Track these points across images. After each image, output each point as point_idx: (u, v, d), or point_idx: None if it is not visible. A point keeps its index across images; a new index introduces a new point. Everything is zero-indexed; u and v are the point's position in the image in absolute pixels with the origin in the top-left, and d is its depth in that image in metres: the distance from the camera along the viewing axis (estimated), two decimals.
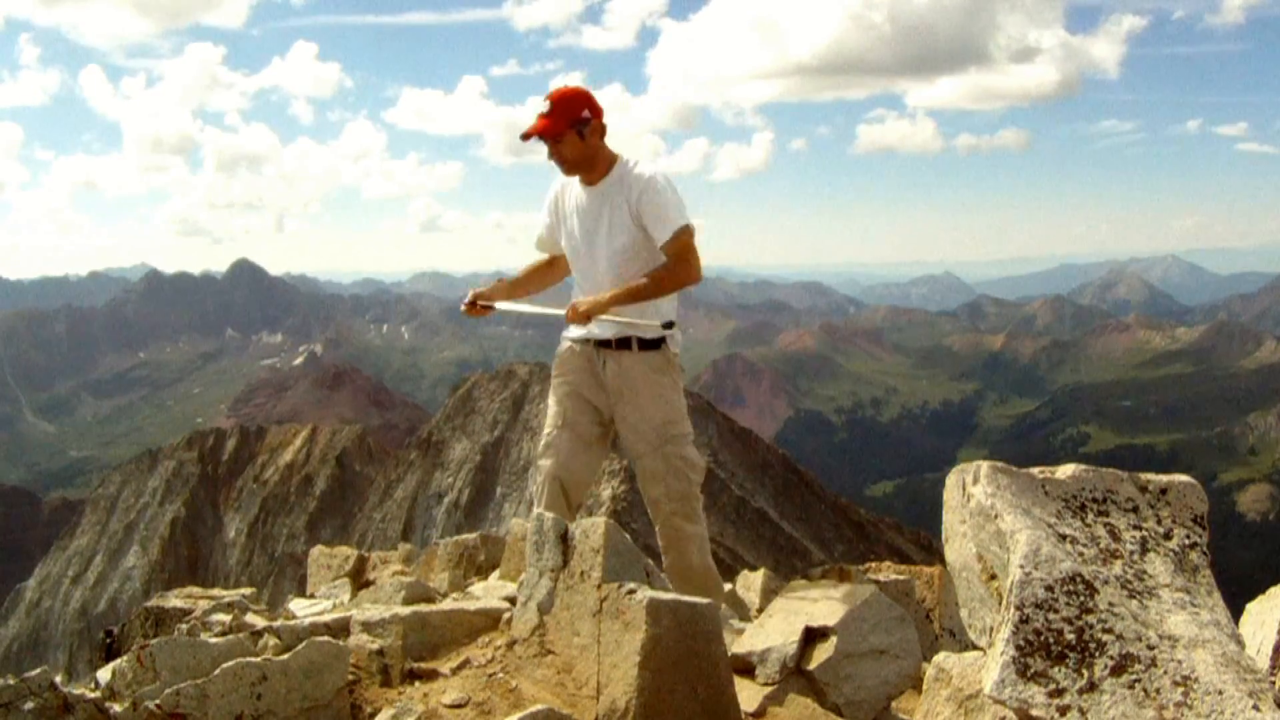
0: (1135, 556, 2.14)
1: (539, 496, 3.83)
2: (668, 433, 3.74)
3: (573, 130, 3.67)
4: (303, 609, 4.11)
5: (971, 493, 2.25)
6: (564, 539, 2.93)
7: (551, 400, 3.95)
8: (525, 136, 3.72)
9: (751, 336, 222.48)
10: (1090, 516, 2.23)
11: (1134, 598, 2.01)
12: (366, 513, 51.59)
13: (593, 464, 3.90)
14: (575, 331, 3.88)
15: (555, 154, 3.74)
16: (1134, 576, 2.08)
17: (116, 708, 2.48)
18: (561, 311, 3.69)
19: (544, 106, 3.70)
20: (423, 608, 3.36)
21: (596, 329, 3.78)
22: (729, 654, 2.90)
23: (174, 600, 4.61)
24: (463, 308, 4.04)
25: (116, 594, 52.67)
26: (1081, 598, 1.96)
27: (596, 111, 3.72)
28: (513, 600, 3.34)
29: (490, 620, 3.31)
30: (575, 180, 3.88)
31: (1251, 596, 2.63)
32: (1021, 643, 1.91)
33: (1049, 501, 2.24)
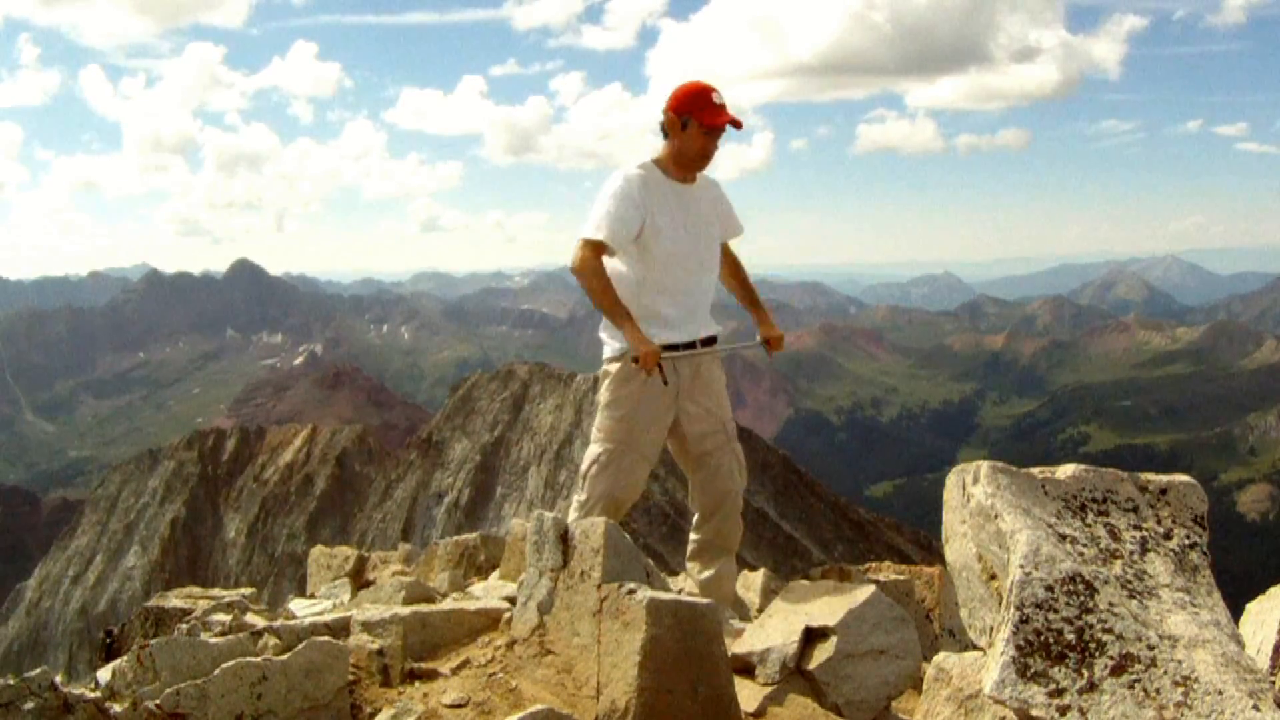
0: (1135, 556, 2.14)
1: (589, 513, 3.67)
2: (730, 429, 3.89)
3: None
4: (303, 609, 4.11)
5: (971, 493, 2.25)
6: (564, 539, 2.93)
7: (612, 415, 3.72)
8: (718, 126, 3.68)
9: (751, 337, 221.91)
10: (1090, 516, 2.23)
11: (1134, 598, 2.01)
12: (366, 513, 51.59)
13: (645, 480, 3.86)
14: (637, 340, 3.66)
15: (713, 150, 3.76)
16: (1134, 576, 2.08)
17: (116, 708, 2.48)
18: (757, 342, 4.08)
19: (722, 100, 3.69)
20: (423, 608, 3.36)
21: (674, 334, 3.74)
22: (729, 654, 2.90)
23: (174, 600, 4.61)
24: (647, 370, 3.53)
25: (116, 594, 52.65)
26: (1081, 598, 1.96)
27: None
28: (513, 600, 3.34)
29: (490, 620, 3.31)
30: (653, 178, 3.72)
31: (1251, 596, 2.63)
32: (1021, 643, 1.91)
33: (1049, 501, 2.24)
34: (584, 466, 3.78)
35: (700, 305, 3.85)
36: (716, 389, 3.86)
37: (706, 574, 3.86)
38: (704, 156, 3.73)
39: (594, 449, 3.75)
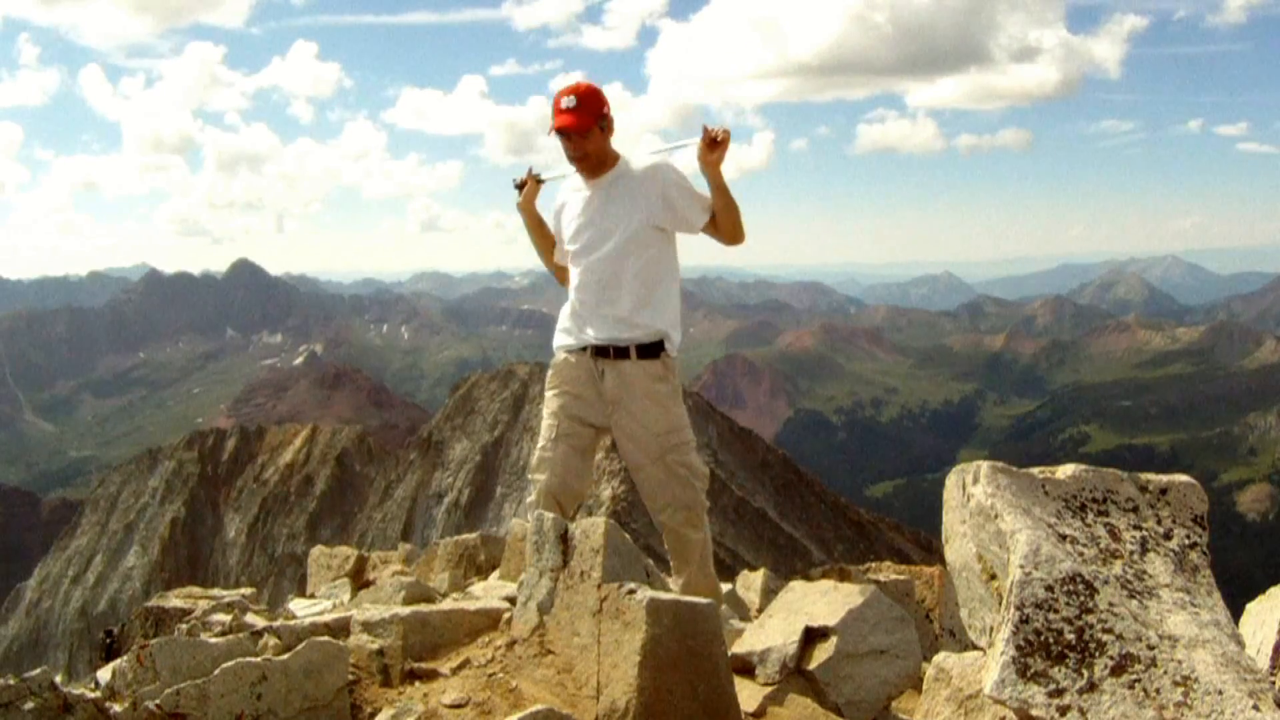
0: (1135, 556, 2.14)
1: (533, 507, 3.77)
2: (669, 442, 3.71)
3: (597, 125, 3.71)
4: (303, 609, 4.10)
5: (971, 493, 2.24)
6: (564, 539, 2.93)
7: (546, 412, 3.88)
8: (555, 130, 3.71)
9: (751, 336, 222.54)
10: (1090, 516, 2.23)
11: (1134, 598, 2.01)
12: (366, 513, 51.57)
13: (587, 474, 3.87)
14: (565, 340, 3.88)
15: (578, 148, 3.73)
16: (1134, 576, 2.07)
17: (116, 708, 2.48)
18: (695, 139, 3.68)
19: (570, 101, 3.67)
20: (423, 608, 3.36)
21: (593, 333, 3.77)
22: (729, 654, 2.90)
23: (174, 600, 4.61)
24: (521, 186, 4.15)
25: (116, 594, 52.64)
26: (1081, 598, 1.96)
27: (609, 108, 3.80)
28: (513, 600, 3.34)
29: (490, 620, 3.31)
30: (570, 184, 3.95)
31: (1251, 596, 2.63)
32: (1021, 643, 1.90)
33: (1049, 501, 2.23)
34: (532, 467, 3.92)
35: (627, 306, 3.71)
36: (653, 400, 3.71)
37: (679, 581, 3.86)
38: (573, 159, 3.79)
39: (536, 449, 3.90)
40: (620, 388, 3.72)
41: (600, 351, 3.75)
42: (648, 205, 3.71)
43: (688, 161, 3.79)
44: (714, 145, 3.65)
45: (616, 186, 3.77)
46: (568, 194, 3.96)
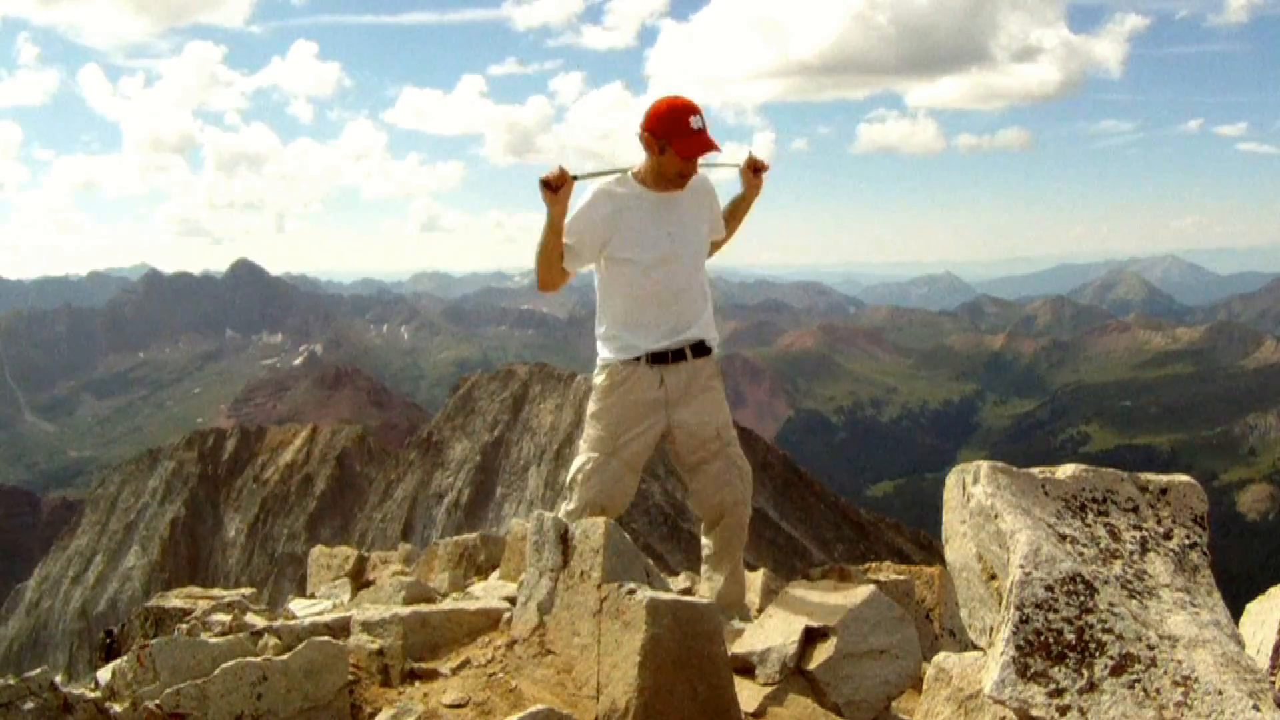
0: (1135, 556, 2.14)
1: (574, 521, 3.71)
2: (727, 436, 3.82)
3: None
4: (303, 609, 4.11)
5: (971, 493, 2.24)
6: (564, 539, 2.93)
7: (597, 425, 3.73)
8: (694, 155, 3.61)
9: (751, 336, 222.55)
10: (1090, 516, 2.23)
11: (1134, 598, 2.01)
12: (366, 513, 51.57)
13: (634, 488, 3.81)
14: (624, 354, 3.72)
15: (692, 171, 3.67)
16: (1134, 576, 2.07)
17: (116, 708, 2.48)
18: (737, 161, 4.04)
19: (700, 122, 3.57)
20: (423, 608, 3.36)
21: (662, 340, 3.71)
22: (729, 654, 2.90)
23: (174, 600, 4.61)
24: (553, 185, 3.57)
25: (116, 594, 52.62)
26: (1081, 598, 1.96)
27: None
28: (513, 600, 3.34)
29: (490, 620, 3.31)
30: (626, 191, 3.71)
31: (1251, 596, 2.63)
32: (1021, 643, 1.90)
33: (1049, 501, 2.23)
34: (570, 474, 3.77)
35: (690, 311, 3.77)
36: (711, 396, 3.80)
37: (717, 582, 3.87)
38: (682, 177, 3.67)
39: (580, 458, 3.76)
40: (681, 387, 3.74)
41: (657, 358, 3.71)
42: (707, 218, 3.89)
43: (718, 178, 3.99)
44: (757, 171, 4.07)
45: (688, 198, 3.76)
46: (622, 200, 3.69)
